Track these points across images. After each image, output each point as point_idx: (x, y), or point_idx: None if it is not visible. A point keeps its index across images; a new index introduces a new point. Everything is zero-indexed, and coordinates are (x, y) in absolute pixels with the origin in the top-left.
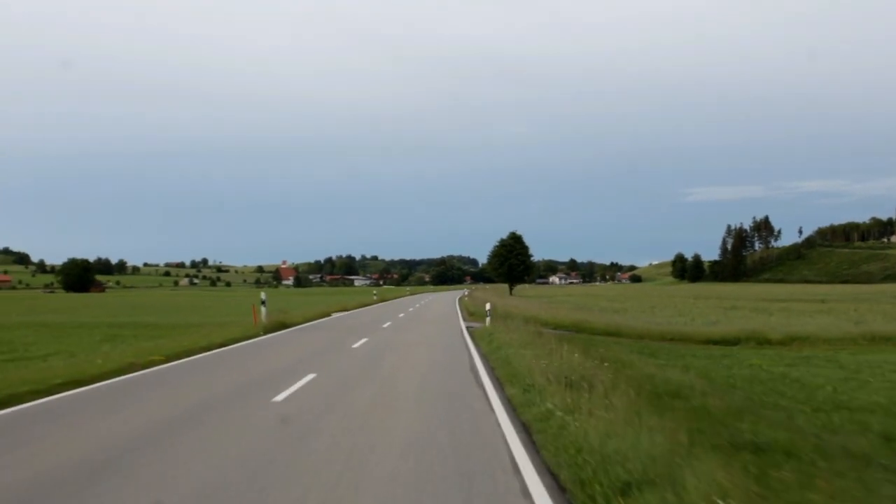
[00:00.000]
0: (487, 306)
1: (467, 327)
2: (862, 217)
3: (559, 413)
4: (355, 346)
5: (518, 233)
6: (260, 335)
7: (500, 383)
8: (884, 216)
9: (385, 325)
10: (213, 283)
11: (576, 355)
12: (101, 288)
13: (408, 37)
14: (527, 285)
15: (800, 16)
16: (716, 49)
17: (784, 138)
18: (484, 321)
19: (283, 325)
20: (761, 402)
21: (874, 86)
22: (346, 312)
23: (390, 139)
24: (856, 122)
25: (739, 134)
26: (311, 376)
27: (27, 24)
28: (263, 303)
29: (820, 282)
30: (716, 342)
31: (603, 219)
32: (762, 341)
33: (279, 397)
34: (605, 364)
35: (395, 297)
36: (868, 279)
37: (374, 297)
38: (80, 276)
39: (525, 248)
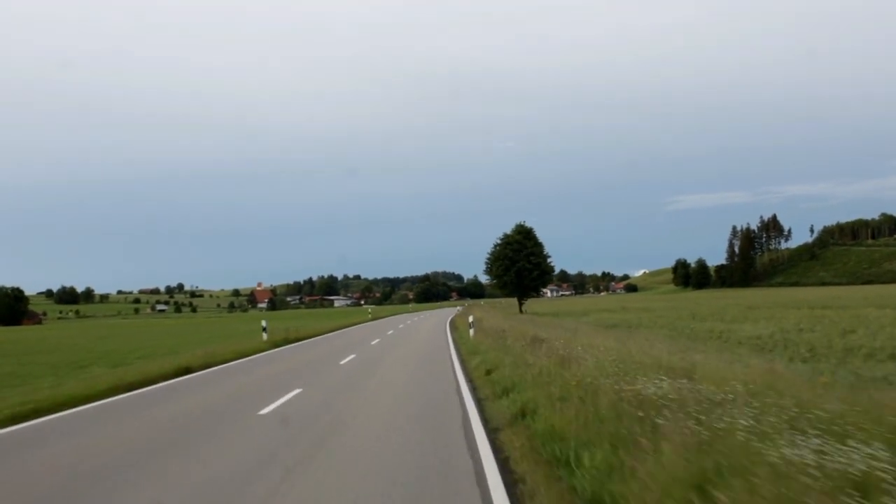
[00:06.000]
0: None
1: None
2: (848, 219)
3: None
4: None
5: (527, 225)
6: None
7: None
8: (867, 217)
9: None
10: (179, 308)
11: None
12: (36, 320)
13: (385, 57)
14: (532, 300)
15: (781, 23)
16: (698, 59)
17: (768, 144)
18: None
19: None
20: None
21: (858, 90)
22: None
23: (373, 158)
24: (839, 125)
25: (722, 141)
26: None
27: None
28: None
29: (840, 283)
30: None
31: (590, 229)
32: None
33: None
34: None
35: (337, 328)
36: (893, 278)
37: (268, 333)
38: (11, 308)
39: (539, 247)
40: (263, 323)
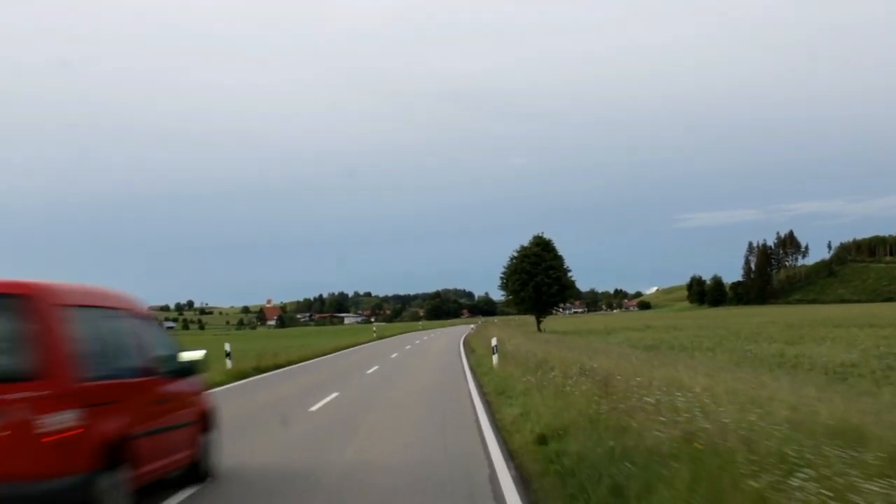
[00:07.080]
0: None
1: None
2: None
3: None
4: None
5: (546, 237)
6: None
7: None
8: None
9: None
10: (187, 325)
11: None
12: None
13: (399, 73)
14: (549, 317)
15: (790, 39)
16: (707, 75)
17: (779, 160)
18: None
19: None
20: None
21: (869, 105)
22: None
23: (382, 174)
24: (850, 142)
25: (733, 158)
26: None
27: None
28: None
29: (859, 301)
30: None
31: (600, 246)
32: None
33: None
34: None
35: (334, 350)
36: None
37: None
38: None
39: (559, 260)
40: (227, 347)
